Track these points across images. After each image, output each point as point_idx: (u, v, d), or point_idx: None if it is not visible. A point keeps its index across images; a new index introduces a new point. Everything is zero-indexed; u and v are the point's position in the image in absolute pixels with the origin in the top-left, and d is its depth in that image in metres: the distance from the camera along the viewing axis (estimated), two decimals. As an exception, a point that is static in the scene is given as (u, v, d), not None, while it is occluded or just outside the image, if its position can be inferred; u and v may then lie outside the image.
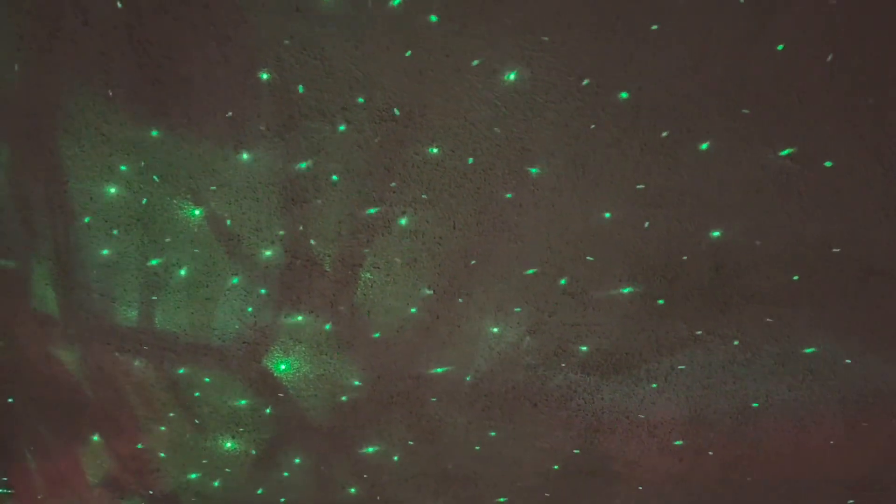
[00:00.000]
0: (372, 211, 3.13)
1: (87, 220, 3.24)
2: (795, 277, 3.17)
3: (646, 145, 2.91)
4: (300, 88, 2.85)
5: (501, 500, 4.00)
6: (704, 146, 2.88)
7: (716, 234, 3.08)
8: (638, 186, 2.98)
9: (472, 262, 3.23)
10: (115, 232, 3.27)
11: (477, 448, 3.78)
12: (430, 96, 2.85)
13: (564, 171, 2.99)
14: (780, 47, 2.65)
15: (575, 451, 3.76)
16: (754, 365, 3.43)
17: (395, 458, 3.86)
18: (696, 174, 2.96)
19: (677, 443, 3.68)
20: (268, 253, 3.28)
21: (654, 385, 3.51)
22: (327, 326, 3.45)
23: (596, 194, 3.04)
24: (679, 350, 3.40)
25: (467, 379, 3.58)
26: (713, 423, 3.61)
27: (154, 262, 3.34)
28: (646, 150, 2.92)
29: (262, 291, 3.37)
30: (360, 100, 2.86)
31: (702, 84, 2.76)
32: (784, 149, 2.88)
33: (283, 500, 4.04)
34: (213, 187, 3.11)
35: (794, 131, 2.84)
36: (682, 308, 3.29)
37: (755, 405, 3.55)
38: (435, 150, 2.97)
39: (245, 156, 3.02)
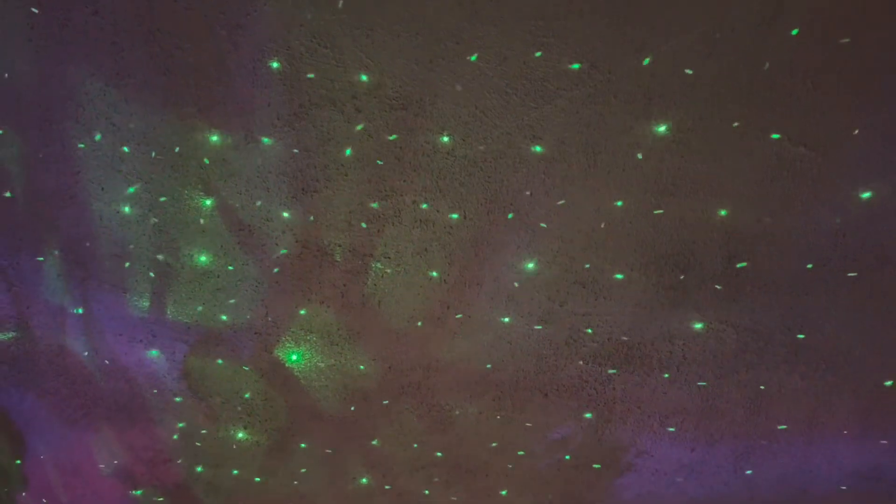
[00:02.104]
0: (379, 203, 3.13)
1: (98, 210, 3.25)
2: (809, 266, 3.14)
3: (658, 133, 2.89)
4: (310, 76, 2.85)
5: (503, 492, 4.00)
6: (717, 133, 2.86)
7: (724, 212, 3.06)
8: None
9: (482, 250, 3.22)
10: (126, 222, 3.27)
11: (488, 438, 3.77)
12: (440, 84, 2.84)
13: (576, 160, 2.97)
14: (794, 32, 2.62)
15: (586, 441, 3.74)
16: (767, 354, 3.40)
17: (406, 448, 3.86)
18: (708, 162, 2.94)
19: (689, 432, 3.67)
20: (278, 243, 3.27)
21: (667, 375, 3.49)
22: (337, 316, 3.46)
23: (608, 182, 3.02)
24: (691, 339, 3.39)
25: (488, 367, 3.57)
26: (725, 412, 3.59)
27: (165, 252, 3.35)
28: (658, 137, 2.90)
29: (273, 282, 3.37)
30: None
31: (715, 71, 2.74)
32: (798, 136, 2.85)
33: (294, 489, 4.05)
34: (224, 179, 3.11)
35: (808, 118, 2.82)
36: (695, 297, 3.27)
37: (767, 394, 3.53)
38: (446, 139, 2.96)
39: (255, 145, 3.02)
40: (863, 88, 2.74)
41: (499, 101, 2.85)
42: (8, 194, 3.21)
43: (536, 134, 2.91)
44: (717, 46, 2.68)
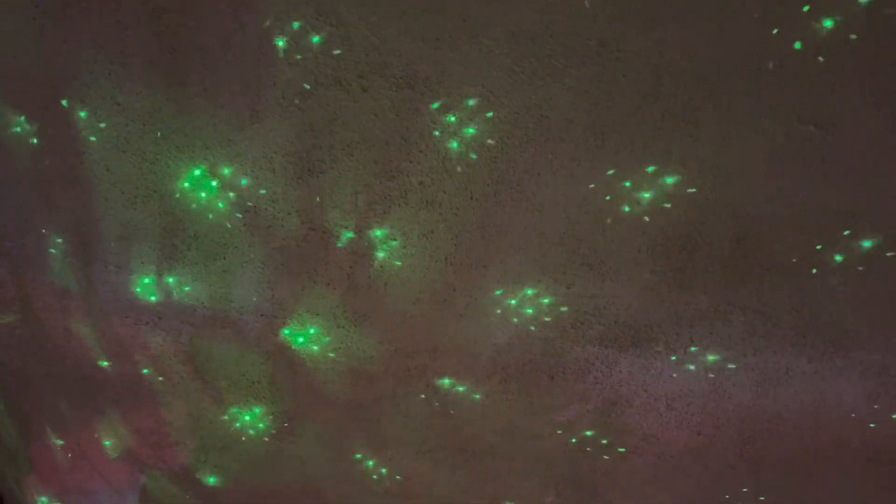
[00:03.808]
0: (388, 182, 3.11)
1: (103, 191, 3.24)
2: (818, 247, 3.12)
3: (667, 112, 2.86)
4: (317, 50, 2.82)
5: (508, 475, 4.00)
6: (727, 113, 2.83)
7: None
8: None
9: (489, 231, 3.21)
10: (131, 204, 3.26)
11: (493, 421, 3.77)
12: (447, 63, 2.81)
13: (584, 139, 2.95)
14: (805, 9, 2.59)
15: (592, 424, 3.74)
16: (775, 337, 3.39)
17: (412, 431, 3.86)
18: (718, 142, 2.91)
19: (695, 416, 3.66)
20: (284, 224, 3.26)
21: (673, 358, 3.48)
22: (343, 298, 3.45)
23: (616, 163, 2.99)
24: (699, 322, 3.37)
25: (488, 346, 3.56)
26: (732, 395, 3.58)
27: (171, 233, 3.34)
28: (667, 117, 2.87)
29: (279, 264, 3.36)
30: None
31: (725, 48, 2.71)
32: (808, 115, 2.82)
33: (299, 472, 4.06)
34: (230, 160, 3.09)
35: (819, 97, 2.79)
36: (703, 279, 3.25)
37: (774, 377, 3.52)
38: (452, 119, 2.94)
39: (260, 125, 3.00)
40: (875, 66, 2.71)
41: (506, 79, 2.82)
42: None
43: (544, 113, 2.89)
44: (726, 23, 2.65)
